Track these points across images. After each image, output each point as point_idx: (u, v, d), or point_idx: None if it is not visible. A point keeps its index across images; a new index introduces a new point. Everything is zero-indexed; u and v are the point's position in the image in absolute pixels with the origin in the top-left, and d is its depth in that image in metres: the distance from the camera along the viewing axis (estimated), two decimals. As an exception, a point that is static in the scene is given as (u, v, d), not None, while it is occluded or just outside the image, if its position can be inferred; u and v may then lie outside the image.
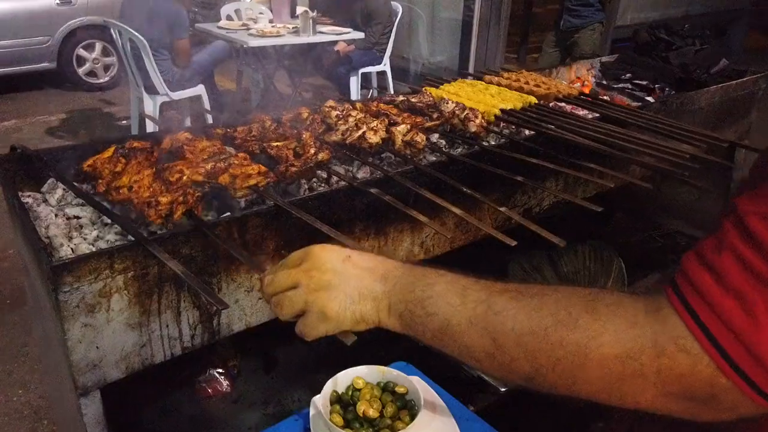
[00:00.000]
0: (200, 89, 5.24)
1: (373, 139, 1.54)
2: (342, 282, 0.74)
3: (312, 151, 1.40)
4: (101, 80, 7.08)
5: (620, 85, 2.31)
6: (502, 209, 1.27)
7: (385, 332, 0.76)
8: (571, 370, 0.64)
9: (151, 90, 4.89)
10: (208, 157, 1.33)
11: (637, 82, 2.30)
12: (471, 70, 5.95)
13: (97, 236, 1.26)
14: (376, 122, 1.63)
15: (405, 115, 1.72)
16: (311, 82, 7.30)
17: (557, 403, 0.72)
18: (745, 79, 2.32)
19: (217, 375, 1.88)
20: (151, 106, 4.97)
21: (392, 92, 6.37)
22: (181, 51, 4.93)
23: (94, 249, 1.21)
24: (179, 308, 1.19)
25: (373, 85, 6.69)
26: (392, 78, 6.37)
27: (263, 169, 1.28)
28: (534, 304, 0.67)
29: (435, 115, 1.75)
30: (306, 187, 1.54)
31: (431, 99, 1.86)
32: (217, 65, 5.58)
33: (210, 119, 5.26)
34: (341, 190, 1.34)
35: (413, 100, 1.86)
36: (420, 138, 1.54)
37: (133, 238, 1.09)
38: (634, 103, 2.19)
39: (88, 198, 1.23)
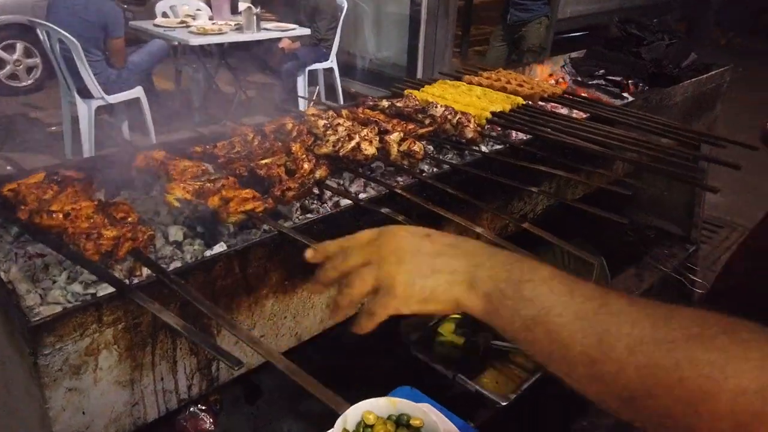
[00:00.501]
0: (138, 91, 4.92)
1: (369, 150, 1.42)
2: (415, 255, 0.64)
3: (306, 166, 1.27)
4: (24, 83, 6.55)
5: (594, 82, 2.29)
6: (525, 225, 1.19)
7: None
8: (695, 397, 0.51)
9: (85, 93, 4.54)
10: (193, 177, 1.17)
11: (610, 77, 2.28)
12: (420, 65, 5.89)
13: (68, 277, 1.09)
14: (366, 131, 1.51)
15: (395, 121, 1.61)
16: (256, 80, 7.04)
17: (555, 417, 0.62)
18: (713, 72, 2.35)
19: (199, 412, 1.72)
20: (84, 110, 4.62)
21: (339, 88, 6.25)
22: (117, 51, 4.61)
23: (67, 294, 1.04)
24: (175, 357, 1.04)
25: (320, 83, 6.53)
26: (339, 75, 6.23)
27: (257, 194, 1.14)
28: (661, 314, 0.54)
29: (427, 121, 1.65)
30: (297, 205, 1.41)
31: (418, 103, 1.76)
32: (155, 65, 5.26)
33: (150, 124, 5.03)
34: (347, 211, 1.22)
35: (399, 104, 1.75)
36: (418, 147, 1.44)
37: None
38: (612, 100, 2.16)
39: (47, 240, 1.04)
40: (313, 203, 1.43)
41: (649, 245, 2.69)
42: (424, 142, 1.67)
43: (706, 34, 10.72)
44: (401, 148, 1.46)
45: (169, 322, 0.84)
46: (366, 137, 1.46)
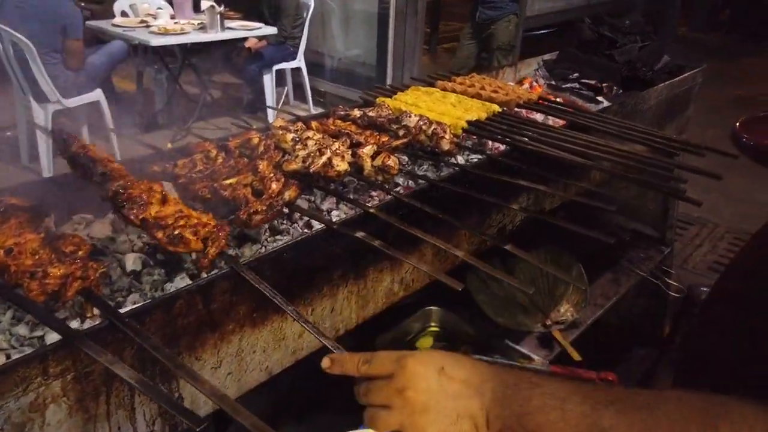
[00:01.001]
0: (98, 94, 4.73)
1: (341, 166, 1.34)
2: (438, 402, 0.68)
3: (274, 186, 1.18)
4: (-26, 86, 6.25)
5: (569, 85, 2.25)
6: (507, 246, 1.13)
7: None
8: None
9: (41, 98, 4.35)
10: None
11: (584, 81, 2.24)
12: (389, 63, 5.81)
13: (13, 317, 0.98)
14: (338, 144, 1.43)
15: (367, 133, 1.54)
16: (221, 80, 6.87)
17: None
18: (686, 74, 2.33)
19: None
20: (41, 115, 4.41)
21: (308, 88, 6.14)
22: (75, 53, 4.42)
23: (11, 338, 0.94)
24: (133, 404, 0.95)
25: (288, 83, 6.40)
26: (308, 74, 6.11)
27: (210, 222, 1.03)
28: (645, 421, 0.61)
29: (401, 132, 1.58)
30: (266, 226, 1.32)
31: (390, 112, 1.69)
32: (115, 67, 5.07)
33: (111, 128, 4.83)
34: (319, 235, 1.14)
35: (371, 114, 1.67)
36: (393, 162, 1.37)
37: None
38: (587, 104, 2.13)
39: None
40: (282, 223, 1.34)
41: (625, 248, 2.68)
42: (397, 155, 1.61)
43: (671, 29, 10.91)
44: (375, 163, 1.38)
45: (122, 375, 0.75)
46: (337, 151, 1.38)
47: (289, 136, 1.44)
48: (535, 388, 0.68)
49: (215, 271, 1.04)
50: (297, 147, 1.41)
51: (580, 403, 0.64)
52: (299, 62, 5.97)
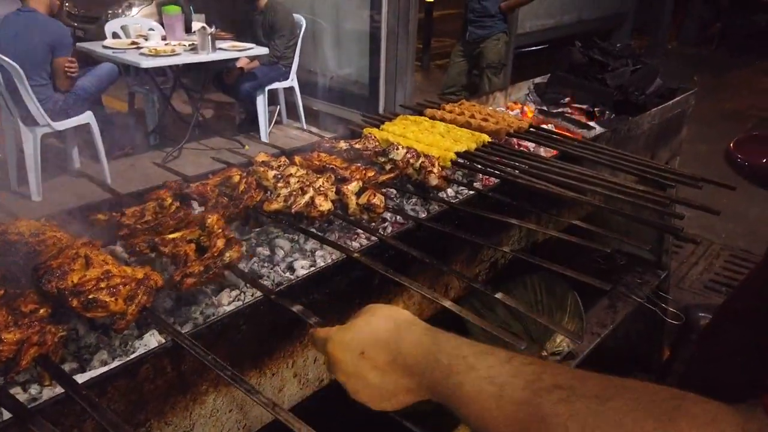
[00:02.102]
0: (88, 117, 4.69)
1: (324, 206, 1.29)
2: (366, 384, 0.69)
3: (219, 244, 1.09)
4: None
5: (560, 110, 2.21)
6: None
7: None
8: None
9: (29, 121, 4.30)
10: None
11: (576, 106, 2.21)
12: (382, 81, 5.79)
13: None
14: (322, 180, 1.38)
15: (353, 167, 1.49)
16: (214, 99, 6.84)
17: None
18: (678, 98, 2.30)
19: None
20: (30, 139, 4.37)
21: (301, 107, 6.11)
22: (62, 70, 4.37)
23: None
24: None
25: (281, 102, 6.37)
26: (301, 93, 6.09)
27: (137, 276, 0.96)
28: (592, 411, 0.53)
29: (388, 166, 1.53)
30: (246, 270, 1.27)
31: (377, 144, 1.64)
32: (105, 89, 5.03)
33: (101, 150, 4.79)
34: (298, 285, 1.09)
35: (358, 146, 1.62)
36: (378, 200, 1.32)
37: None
38: (579, 130, 2.09)
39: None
40: (263, 266, 1.29)
41: (620, 273, 2.63)
42: (385, 189, 1.56)
43: (661, 44, 10.99)
44: (360, 201, 1.33)
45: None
46: (321, 189, 1.33)
47: (271, 173, 1.39)
48: (470, 371, 0.61)
49: (191, 325, 0.99)
50: (279, 185, 1.36)
51: (521, 388, 0.57)
52: (292, 82, 5.95)
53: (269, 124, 6.04)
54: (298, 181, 1.36)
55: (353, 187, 1.36)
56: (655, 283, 2.61)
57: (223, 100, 6.75)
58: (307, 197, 1.30)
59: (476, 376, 0.61)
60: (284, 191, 1.34)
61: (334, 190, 1.36)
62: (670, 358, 2.55)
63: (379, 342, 0.69)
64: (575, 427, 0.52)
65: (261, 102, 5.71)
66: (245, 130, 6.10)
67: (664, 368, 2.65)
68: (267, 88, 5.74)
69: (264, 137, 5.84)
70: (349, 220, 1.34)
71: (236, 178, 1.36)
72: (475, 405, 0.59)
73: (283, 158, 1.51)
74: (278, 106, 6.39)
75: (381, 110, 5.76)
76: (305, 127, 6.23)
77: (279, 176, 1.39)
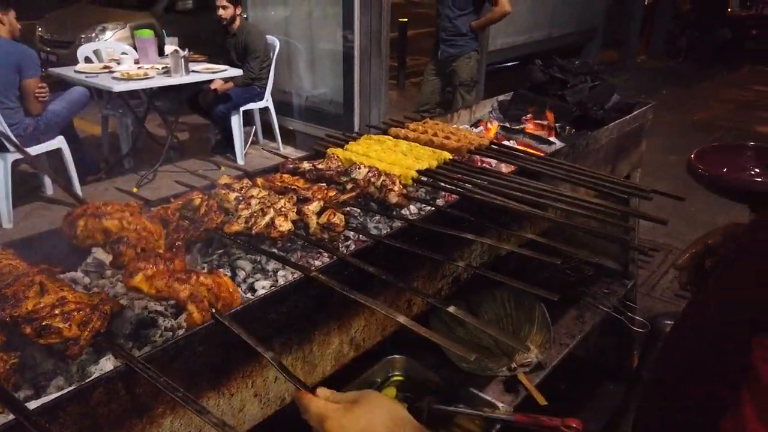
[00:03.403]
0: (60, 141, 4.68)
1: (284, 226, 1.31)
2: None
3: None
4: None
5: (522, 126, 2.27)
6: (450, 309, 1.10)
7: None
8: None
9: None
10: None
11: (538, 122, 2.27)
12: (356, 101, 5.86)
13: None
14: (283, 201, 1.40)
15: (315, 188, 1.51)
16: (189, 121, 6.84)
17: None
18: (636, 112, 2.37)
19: None
20: (0, 165, 4.33)
21: (277, 127, 6.14)
22: (31, 92, 4.35)
23: None
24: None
25: (256, 123, 6.40)
26: (276, 113, 6.13)
27: (92, 301, 0.96)
28: None
29: (349, 186, 1.56)
30: (208, 291, 1.28)
31: (340, 164, 1.67)
32: (76, 113, 5.02)
33: (74, 175, 4.76)
34: (255, 305, 1.10)
35: (320, 166, 1.65)
36: (338, 219, 1.35)
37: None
38: (540, 145, 2.14)
39: None
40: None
41: (588, 284, 2.68)
42: (347, 208, 1.59)
43: (631, 58, 11.27)
44: (320, 221, 1.36)
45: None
46: (282, 210, 1.36)
47: (232, 195, 1.41)
48: None
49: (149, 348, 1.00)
50: (240, 207, 1.38)
51: None
52: (267, 102, 5.99)
53: (245, 145, 6.06)
54: (259, 203, 1.38)
55: (314, 207, 1.39)
56: (621, 293, 2.66)
57: (198, 122, 6.76)
58: (267, 218, 1.32)
59: None
60: (245, 213, 1.36)
61: (295, 210, 1.39)
62: (639, 365, 2.59)
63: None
64: None
65: (236, 123, 5.73)
66: (221, 151, 6.11)
67: (634, 377, 2.70)
68: (242, 109, 5.78)
69: (240, 158, 5.86)
70: (310, 240, 1.36)
71: (197, 201, 1.38)
72: None
73: (245, 180, 1.53)
74: (254, 127, 6.42)
75: (357, 129, 5.81)
76: (281, 147, 6.26)
77: (240, 198, 1.41)
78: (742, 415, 0.54)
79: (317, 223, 1.37)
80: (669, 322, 2.51)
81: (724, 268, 0.82)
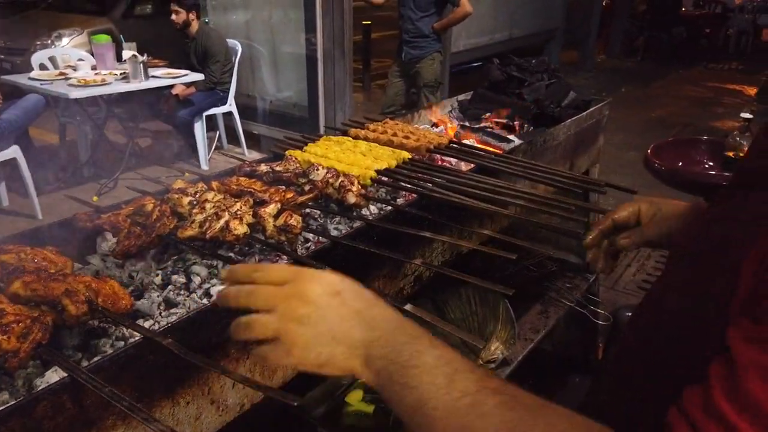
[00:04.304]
0: (14, 151, 4.52)
1: (239, 229, 1.29)
2: (319, 319, 0.66)
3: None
4: None
5: (482, 125, 2.29)
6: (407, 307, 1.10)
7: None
8: None
9: (-51, 158, 4.11)
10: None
11: (497, 120, 2.29)
12: (321, 103, 5.83)
13: None
14: (239, 204, 1.38)
15: (272, 190, 1.50)
16: (150, 128, 6.71)
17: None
18: (592, 109, 2.42)
19: None
20: (-50, 177, 4.17)
21: (241, 132, 6.07)
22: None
23: None
24: None
25: (220, 128, 6.32)
26: (240, 118, 6.06)
27: (32, 314, 0.92)
28: (526, 420, 0.59)
29: (307, 187, 1.55)
30: (161, 299, 1.25)
31: (298, 166, 1.66)
32: (31, 122, 4.87)
33: (31, 185, 4.62)
34: (195, 318, 1.08)
35: (278, 168, 1.64)
36: (295, 221, 1.33)
37: None
38: (499, 143, 2.17)
39: None
40: (179, 294, 1.28)
41: (551, 279, 2.71)
42: (307, 210, 1.58)
43: (590, 58, 11.50)
44: (277, 223, 1.34)
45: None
46: (237, 213, 1.34)
47: (186, 199, 1.39)
48: (431, 348, 0.64)
49: (104, 348, 0.97)
50: (194, 211, 1.36)
51: (470, 381, 0.61)
52: (230, 107, 5.92)
53: (209, 151, 5.97)
54: (213, 207, 1.36)
55: (271, 209, 1.37)
56: (584, 287, 2.70)
57: (160, 128, 6.63)
58: (221, 222, 1.30)
59: (438, 354, 0.63)
60: (199, 217, 1.33)
61: (251, 213, 1.37)
62: (603, 358, 2.64)
63: (359, 292, 0.70)
64: (505, 430, 0.58)
65: (199, 128, 5.65)
66: (184, 157, 6.01)
67: (599, 368, 2.75)
68: (205, 114, 5.69)
69: (204, 164, 5.77)
70: (267, 243, 1.34)
71: (149, 206, 1.35)
72: (427, 378, 0.61)
73: (200, 184, 1.51)
74: (218, 132, 6.34)
75: (322, 131, 5.79)
76: (246, 152, 6.19)
77: (194, 202, 1.39)
78: (708, 387, 0.55)
79: (274, 225, 1.35)
80: (629, 313, 2.56)
81: (689, 261, 0.82)
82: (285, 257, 1.40)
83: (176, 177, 1.66)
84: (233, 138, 6.35)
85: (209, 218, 1.32)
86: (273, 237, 1.36)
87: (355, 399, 1.98)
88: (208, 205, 1.36)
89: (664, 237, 1.04)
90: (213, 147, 6.19)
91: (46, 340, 0.91)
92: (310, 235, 1.53)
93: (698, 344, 0.63)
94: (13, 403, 0.83)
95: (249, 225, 1.34)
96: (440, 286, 2.50)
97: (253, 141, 6.44)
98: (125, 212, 1.34)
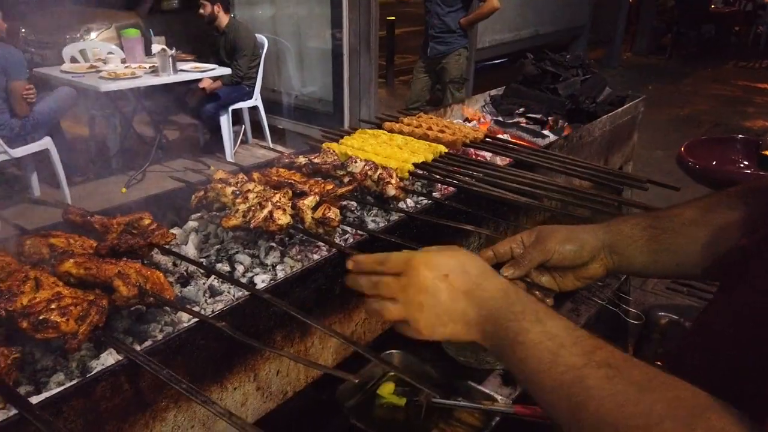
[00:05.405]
0: (47, 142, 4.61)
1: (283, 219, 1.30)
2: (435, 303, 0.74)
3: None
4: None
5: (515, 120, 2.28)
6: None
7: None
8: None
9: (-15, 149, 4.20)
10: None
11: (530, 115, 2.27)
12: (346, 98, 5.85)
13: None
14: (278, 195, 1.39)
15: (312, 181, 1.51)
16: (178, 121, 6.79)
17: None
18: (628, 105, 2.39)
19: None
20: (-14, 167, 4.27)
21: (266, 126, 6.11)
22: (18, 93, 4.28)
23: None
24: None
25: (245, 122, 6.36)
26: (265, 112, 6.10)
27: (88, 297, 0.95)
28: (630, 394, 0.58)
29: (346, 179, 1.55)
30: (206, 287, 1.27)
31: (336, 158, 1.67)
32: (63, 114, 4.95)
33: (62, 176, 4.71)
34: (251, 300, 1.09)
35: (317, 161, 1.65)
36: (333, 213, 1.33)
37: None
38: (533, 139, 2.15)
39: None
40: (224, 282, 1.29)
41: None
42: (344, 202, 1.58)
43: (616, 56, 11.35)
44: (315, 215, 1.35)
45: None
46: (278, 204, 1.35)
47: (229, 189, 1.40)
48: (538, 323, 0.67)
49: (150, 342, 0.99)
50: (237, 201, 1.37)
51: (577, 354, 0.62)
52: (256, 101, 5.96)
53: (234, 144, 6.02)
54: (256, 197, 1.37)
55: (309, 201, 1.38)
56: (615, 286, 2.67)
57: (186, 122, 6.70)
58: (265, 212, 1.31)
59: (542, 330, 0.66)
60: (243, 207, 1.35)
61: (290, 204, 1.38)
62: (633, 356, 2.61)
63: (465, 272, 0.75)
64: (610, 405, 0.58)
65: (225, 122, 5.70)
66: (210, 150, 6.06)
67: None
68: (231, 108, 5.74)
69: (229, 157, 5.82)
70: (308, 233, 1.35)
71: (146, 222, 1.31)
72: (533, 352, 0.65)
73: (241, 175, 1.52)
74: (243, 126, 6.39)
75: (346, 127, 5.80)
76: (271, 145, 6.23)
77: (237, 192, 1.40)
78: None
79: (312, 217, 1.36)
80: (663, 313, 2.53)
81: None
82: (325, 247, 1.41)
83: (203, 170, 1.68)
84: (258, 132, 6.39)
85: (253, 208, 1.34)
86: (311, 229, 1.36)
87: (386, 391, 1.98)
88: (251, 195, 1.38)
89: (557, 254, 0.93)
90: (238, 141, 6.24)
91: (102, 323, 0.93)
92: (348, 228, 1.54)
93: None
94: (74, 383, 0.85)
95: (292, 217, 1.35)
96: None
97: (278, 135, 6.47)
98: (119, 220, 1.32)
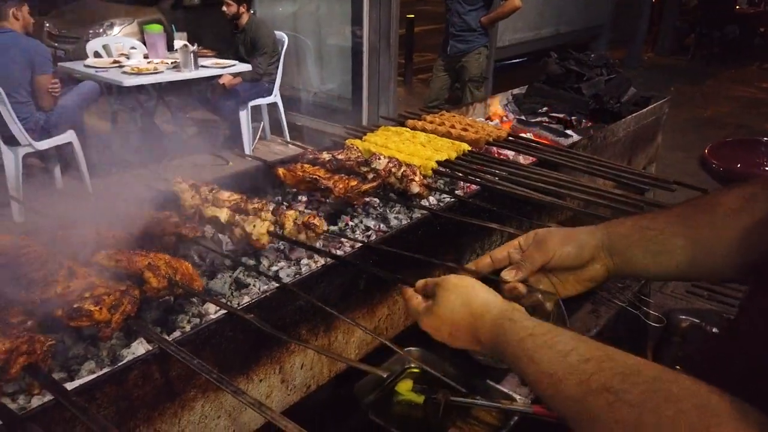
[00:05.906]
0: (70, 135, 4.67)
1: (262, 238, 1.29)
2: (447, 319, 0.86)
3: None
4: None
5: (538, 119, 2.27)
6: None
7: None
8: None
9: (10, 140, 4.27)
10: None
11: (553, 114, 2.26)
12: (365, 96, 5.85)
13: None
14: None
15: (336, 177, 1.51)
16: (197, 116, 6.84)
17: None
18: (653, 105, 2.36)
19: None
20: (11, 159, 4.34)
21: (285, 123, 6.14)
22: (44, 87, 4.35)
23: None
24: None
25: (264, 118, 6.40)
26: (284, 109, 6.13)
27: (119, 288, 0.97)
28: (633, 418, 0.58)
29: (370, 175, 1.56)
30: (231, 280, 1.28)
31: (360, 155, 1.67)
32: (87, 108, 5.02)
33: (84, 169, 4.77)
34: (272, 298, 1.10)
35: (340, 157, 1.65)
36: (318, 221, 1.30)
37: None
38: (556, 138, 2.14)
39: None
40: (249, 275, 1.31)
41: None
42: (367, 198, 1.59)
43: (638, 56, 11.22)
44: (299, 221, 1.32)
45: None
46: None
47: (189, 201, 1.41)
48: (530, 365, 0.70)
49: (178, 333, 1.00)
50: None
51: (574, 385, 0.64)
52: (275, 98, 5.99)
53: (253, 140, 6.06)
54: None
55: (291, 213, 1.33)
56: (635, 288, 2.65)
57: (206, 118, 6.75)
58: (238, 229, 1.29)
59: (536, 370, 0.69)
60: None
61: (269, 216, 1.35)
62: (653, 359, 2.58)
63: (461, 329, 0.85)
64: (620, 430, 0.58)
65: (244, 118, 5.73)
66: (229, 146, 6.11)
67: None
68: (250, 105, 5.77)
69: (248, 152, 5.85)
70: (288, 239, 1.32)
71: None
72: (537, 390, 0.69)
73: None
74: (262, 122, 6.42)
75: (365, 124, 5.81)
76: (289, 142, 6.25)
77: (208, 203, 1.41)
78: None
79: (294, 222, 1.32)
80: (684, 317, 2.50)
81: None
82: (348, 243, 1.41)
83: (222, 165, 1.68)
84: (276, 129, 6.42)
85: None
86: (292, 235, 1.33)
87: (405, 388, 1.99)
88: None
89: (557, 255, 0.95)
90: (257, 137, 6.28)
91: (134, 312, 0.95)
92: (371, 223, 1.55)
93: None
94: (107, 370, 0.86)
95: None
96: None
97: (296, 132, 6.50)
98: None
